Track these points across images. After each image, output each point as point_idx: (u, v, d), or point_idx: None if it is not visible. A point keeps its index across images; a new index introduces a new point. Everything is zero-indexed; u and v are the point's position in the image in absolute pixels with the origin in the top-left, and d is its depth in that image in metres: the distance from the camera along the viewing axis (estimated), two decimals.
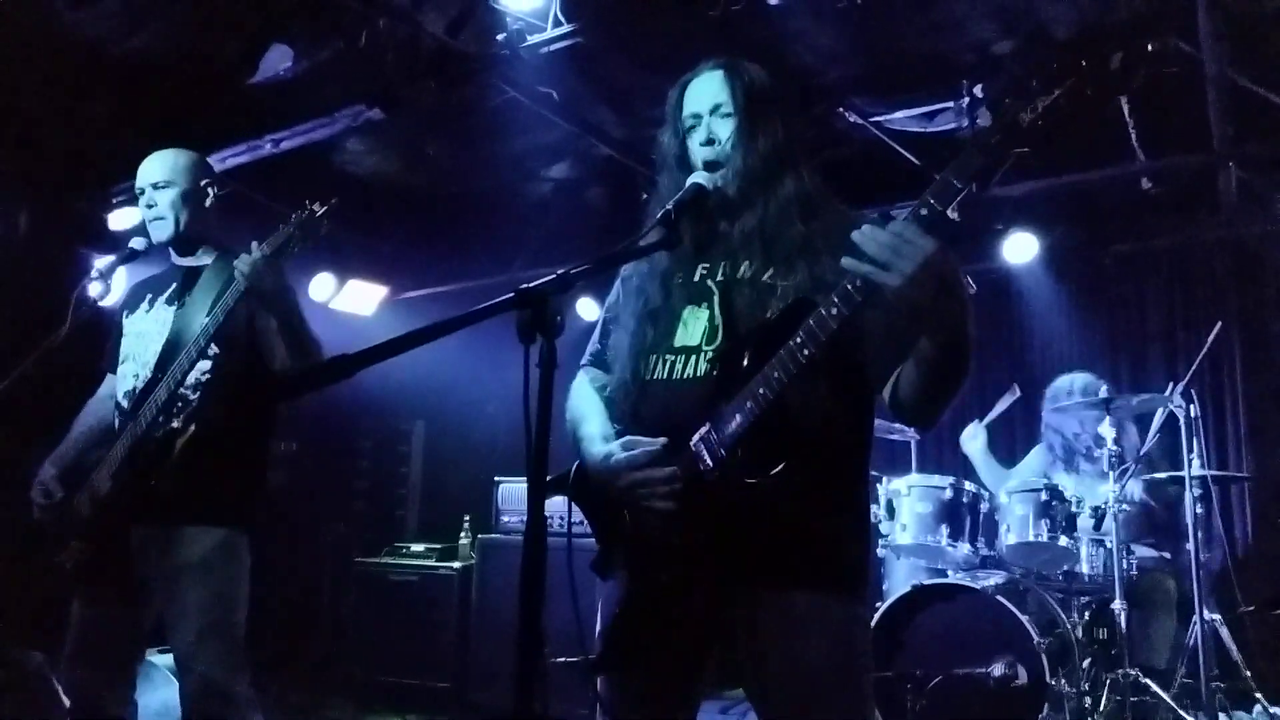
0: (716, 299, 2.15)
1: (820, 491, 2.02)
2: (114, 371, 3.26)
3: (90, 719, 3.01)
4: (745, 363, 1.99)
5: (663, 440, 2.04)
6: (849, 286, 1.83)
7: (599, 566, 2.21)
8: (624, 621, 2.09)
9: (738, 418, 1.96)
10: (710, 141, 2.19)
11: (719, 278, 2.17)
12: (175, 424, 2.98)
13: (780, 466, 1.92)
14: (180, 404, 3.00)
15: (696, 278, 2.21)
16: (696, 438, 2.01)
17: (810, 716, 1.96)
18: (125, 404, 3.11)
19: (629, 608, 2.09)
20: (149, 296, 3.25)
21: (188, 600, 2.94)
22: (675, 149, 2.29)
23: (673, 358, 2.15)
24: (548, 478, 1.76)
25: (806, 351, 1.88)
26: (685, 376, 2.11)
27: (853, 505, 2.14)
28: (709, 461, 1.99)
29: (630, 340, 2.22)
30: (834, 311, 1.85)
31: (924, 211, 1.76)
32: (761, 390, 1.93)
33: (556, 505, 1.97)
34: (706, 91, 2.24)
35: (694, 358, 2.12)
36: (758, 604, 2.00)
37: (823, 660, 1.97)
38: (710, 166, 2.18)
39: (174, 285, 3.23)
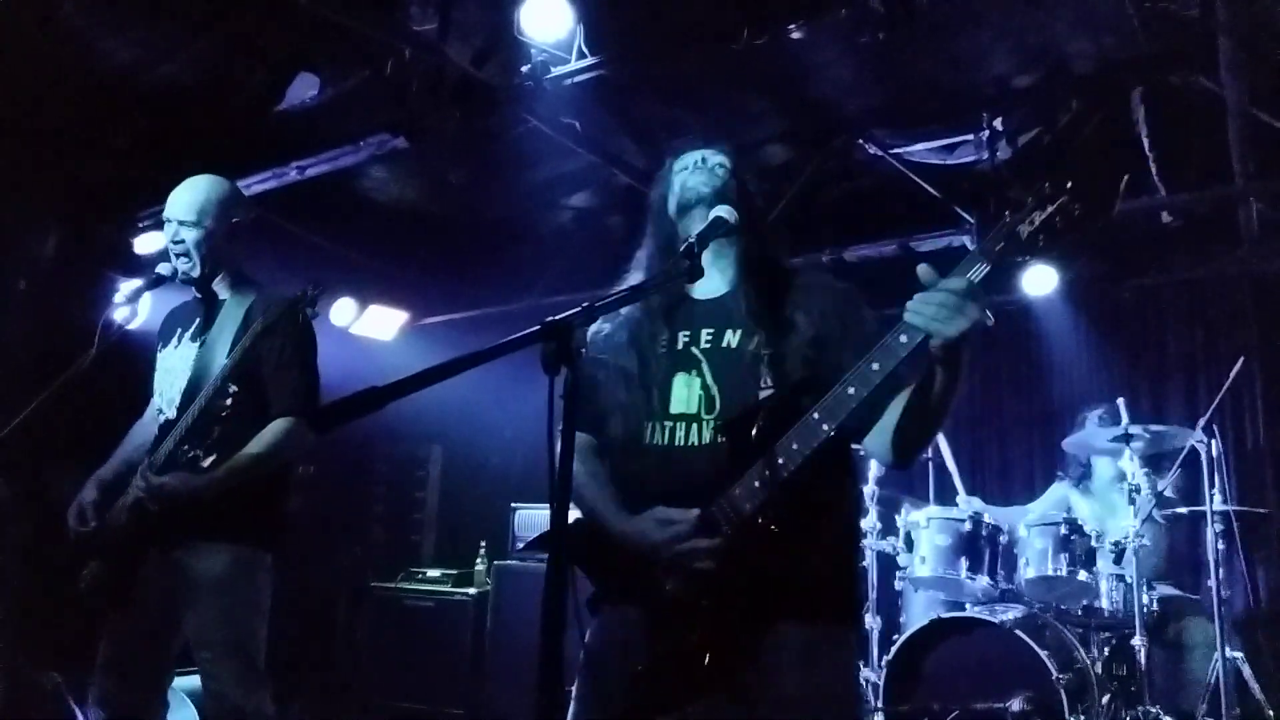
0: (705, 367, 2.25)
1: (831, 541, 2.20)
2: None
3: None
4: (754, 434, 2.10)
5: (696, 512, 2.10)
6: (869, 369, 2.00)
7: (592, 605, 2.30)
8: (656, 676, 2.11)
9: (757, 485, 2.06)
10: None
11: (703, 345, 2.27)
12: (197, 452, 3.02)
13: (799, 527, 2.07)
14: (203, 436, 3.04)
15: (680, 345, 2.29)
16: (716, 505, 2.10)
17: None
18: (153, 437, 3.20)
19: (660, 665, 2.11)
20: (178, 331, 3.31)
21: (206, 617, 2.99)
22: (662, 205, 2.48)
23: (671, 424, 2.23)
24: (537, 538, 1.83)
25: (825, 427, 2.03)
26: (690, 444, 2.21)
27: (855, 549, 2.37)
28: (733, 527, 2.08)
29: (622, 405, 2.30)
30: (851, 391, 2.01)
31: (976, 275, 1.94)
32: (781, 461, 2.05)
33: None
34: (701, 151, 2.43)
35: (695, 425, 2.21)
36: (783, 639, 2.09)
37: (838, 676, 2.20)
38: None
39: (197, 320, 3.28)
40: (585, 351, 2.30)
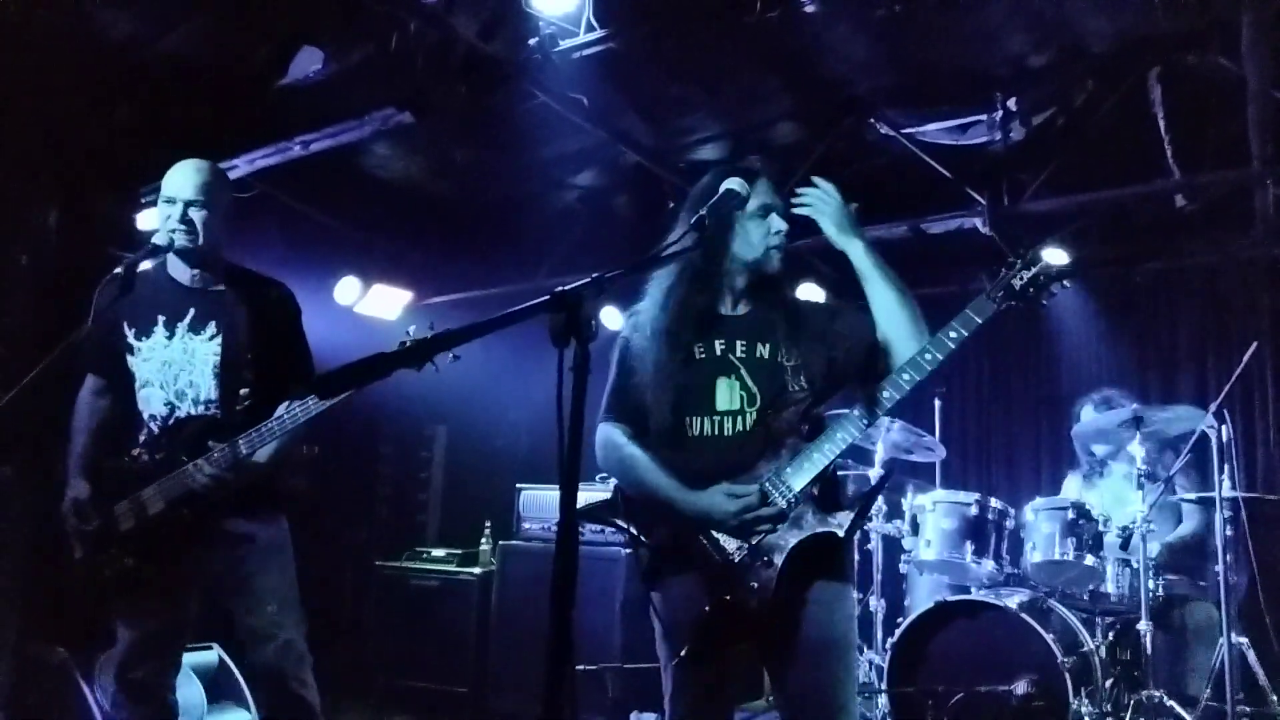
0: (743, 372, 2.67)
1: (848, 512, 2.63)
2: (98, 374, 3.35)
3: (148, 708, 3.23)
4: (796, 424, 2.59)
5: (757, 487, 2.53)
6: (900, 378, 2.51)
7: (649, 578, 2.66)
8: (711, 626, 2.53)
9: (805, 466, 2.53)
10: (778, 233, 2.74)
11: (739, 354, 2.69)
12: (243, 449, 3.12)
13: (829, 499, 2.56)
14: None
15: (718, 353, 2.70)
16: (770, 482, 2.54)
17: (837, 656, 2.59)
18: (158, 429, 3.21)
19: (716, 616, 2.52)
20: (161, 319, 3.26)
21: (276, 576, 3.28)
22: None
23: (718, 418, 2.65)
24: (589, 508, 2.64)
25: (865, 422, 2.54)
26: (735, 432, 2.63)
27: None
28: (785, 499, 2.53)
29: (669, 400, 2.66)
30: (886, 394, 2.51)
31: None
32: (828, 446, 2.54)
33: None
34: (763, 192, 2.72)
35: (739, 418, 2.64)
36: (812, 591, 2.56)
37: (848, 621, 2.65)
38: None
39: (192, 311, 3.26)
40: (623, 351, 2.77)
